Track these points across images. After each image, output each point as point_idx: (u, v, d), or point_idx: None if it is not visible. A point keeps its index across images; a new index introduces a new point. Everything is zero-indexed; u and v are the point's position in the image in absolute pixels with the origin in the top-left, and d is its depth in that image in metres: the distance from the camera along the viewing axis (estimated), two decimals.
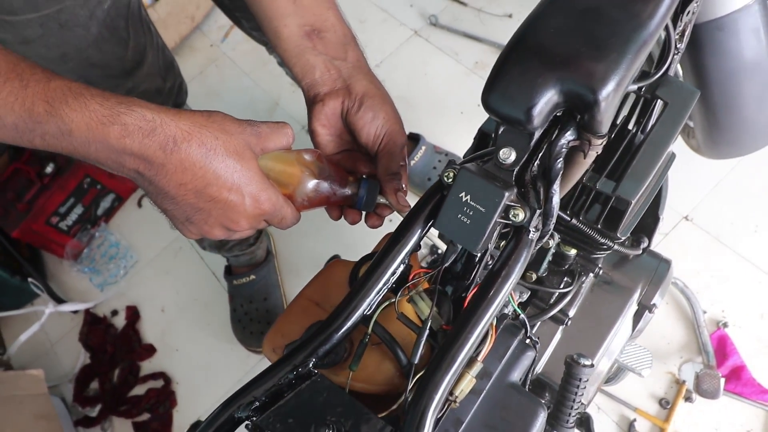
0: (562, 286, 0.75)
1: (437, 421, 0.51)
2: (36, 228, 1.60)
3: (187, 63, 1.93)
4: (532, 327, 0.76)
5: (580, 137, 0.51)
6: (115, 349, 1.53)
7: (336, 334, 0.52)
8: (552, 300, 0.75)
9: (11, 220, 1.58)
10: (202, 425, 0.50)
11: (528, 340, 0.60)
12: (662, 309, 1.24)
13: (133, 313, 1.56)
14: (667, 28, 0.66)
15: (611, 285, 0.80)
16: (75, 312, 1.62)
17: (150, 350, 1.51)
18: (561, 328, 0.76)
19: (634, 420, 1.16)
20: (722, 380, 1.09)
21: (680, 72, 0.98)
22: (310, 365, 0.52)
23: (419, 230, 0.54)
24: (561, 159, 0.50)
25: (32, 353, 1.61)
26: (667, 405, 1.16)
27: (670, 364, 1.19)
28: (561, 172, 0.51)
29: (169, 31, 1.87)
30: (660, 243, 1.29)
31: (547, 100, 0.47)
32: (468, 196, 0.50)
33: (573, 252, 0.74)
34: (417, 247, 0.56)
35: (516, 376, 0.57)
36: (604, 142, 0.52)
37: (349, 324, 0.52)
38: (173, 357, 1.50)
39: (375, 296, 0.53)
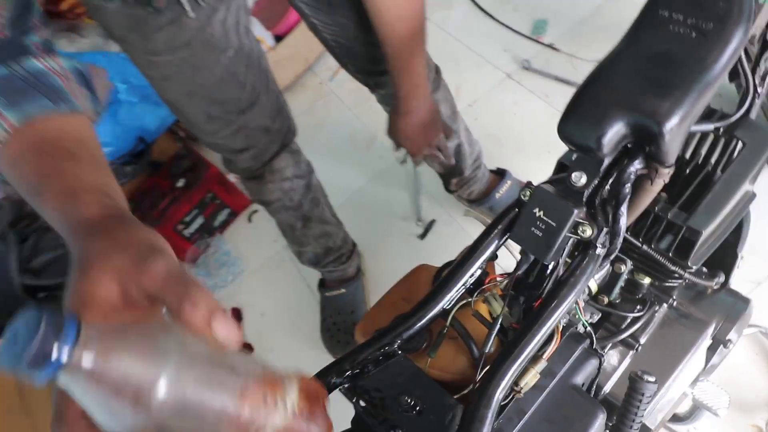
0: (634, 312, 0.78)
1: (502, 408, 0.58)
2: (165, 233, 1.80)
3: (299, 99, 2.16)
4: (602, 348, 0.80)
5: (648, 166, 0.57)
6: None
7: (419, 323, 0.61)
8: (624, 325, 0.79)
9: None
10: None
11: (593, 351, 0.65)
12: (751, 360, 1.19)
13: (237, 315, 1.74)
14: (746, 73, 0.71)
15: (686, 318, 0.82)
16: None
17: (248, 348, 1.66)
18: (631, 353, 0.79)
19: None
20: None
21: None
22: (395, 346, 0.61)
23: (496, 240, 0.62)
24: (629, 184, 0.57)
25: None
26: None
27: (756, 417, 1.14)
28: (628, 197, 0.58)
29: (285, 71, 2.12)
30: (753, 291, 1.25)
31: (615, 131, 0.54)
32: (541, 212, 0.58)
33: (647, 281, 0.77)
34: (494, 256, 0.64)
35: (579, 380, 0.62)
36: (671, 172, 0.58)
37: (431, 315, 0.61)
38: (268, 357, 1.62)
39: (454, 293, 0.62)
